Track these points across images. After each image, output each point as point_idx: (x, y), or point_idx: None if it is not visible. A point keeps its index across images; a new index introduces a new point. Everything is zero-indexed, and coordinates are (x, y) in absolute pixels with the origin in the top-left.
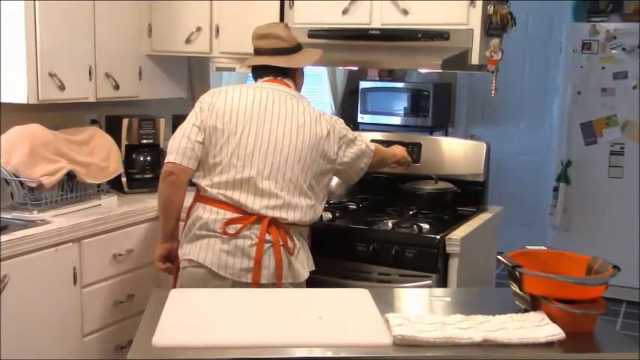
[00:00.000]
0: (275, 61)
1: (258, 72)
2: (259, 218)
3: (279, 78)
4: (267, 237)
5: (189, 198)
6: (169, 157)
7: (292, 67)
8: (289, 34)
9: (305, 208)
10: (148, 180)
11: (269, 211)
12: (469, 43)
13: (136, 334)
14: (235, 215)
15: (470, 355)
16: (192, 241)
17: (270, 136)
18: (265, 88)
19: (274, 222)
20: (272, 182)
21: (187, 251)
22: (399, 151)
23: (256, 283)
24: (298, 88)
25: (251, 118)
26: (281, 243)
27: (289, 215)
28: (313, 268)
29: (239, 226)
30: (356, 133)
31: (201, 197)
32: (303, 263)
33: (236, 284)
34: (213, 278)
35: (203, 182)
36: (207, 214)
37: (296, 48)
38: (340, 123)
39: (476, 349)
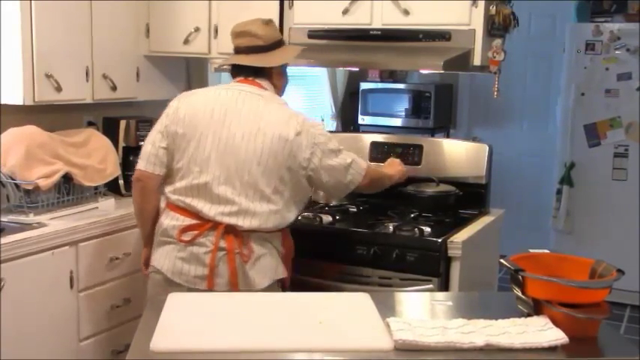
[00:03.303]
0: (247, 60)
1: (233, 72)
2: (215, 225)
3: (250, 78)
4: (223, 244)
5: None
6: (137, 164)
7: (265, 66)
8: (267, 31)
9: (266, 215)
10: None
11: (225, 218)
12: (471, 44)
13: (134, 338)
14: (192, 222)
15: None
16: (156, 247)
17: (228, 140)
18: (232, 89)
19: (231, 229)
20: (229, 187)
21: (152, 257)
22: (395, 170)
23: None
24: (279, 87)
25: (210, 121)
26: (237, 251)
27: (245, 222)
28: (282, 275)
29: (195, 233)
30: (342, 147)
31: (167, 203)
32: (264, 271)
33: (191, 292)
34: (169, 285)
35: (167, 188)
36: (167, 220)
37: (273, 45)
38: (318, 128)
39: (478, 353)
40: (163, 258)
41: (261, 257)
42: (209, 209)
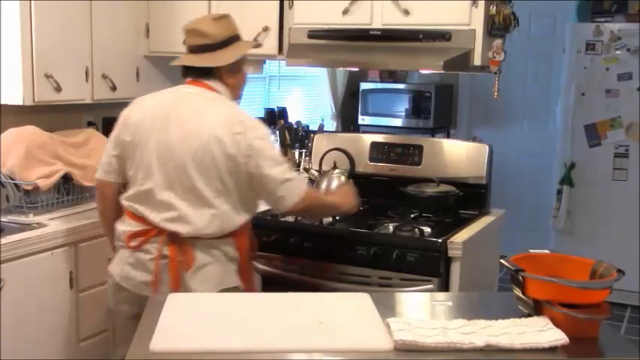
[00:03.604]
0: (193, 61)
1: (183, 73)
2: (160, 232)
3: (198, 79)
4: (166, 252)
5: None
6: (97, 172)
7: (210, 65)
8: (217, 29)
9: (207, 220)
10: None
11: (167, 224)
12: (471, 44)
13: (133, 339)
14: (140, 228)
15: None
16: (115, 252)
17: (168, 145)
18: (177, 92)
19: (175, 236)
20: (171, 193)
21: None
22: (346, 200)
23: (142, 299)
24: (233, 86)
25: (153, 127)
26: (179, 259)
27: (183, 228)
28: (231, 285)
29: (141, 239)
30: (287, 163)
31: (124, 209)
32: (206, 281)
33: (138, 297)
34: (118, 290)
35: (123, 195)
36: (121, 225)
37: (224, 43)
38: (259, 133)
39: (478, 354)
40: (116, 263)
41: (205, 266)
42: (154, 216)
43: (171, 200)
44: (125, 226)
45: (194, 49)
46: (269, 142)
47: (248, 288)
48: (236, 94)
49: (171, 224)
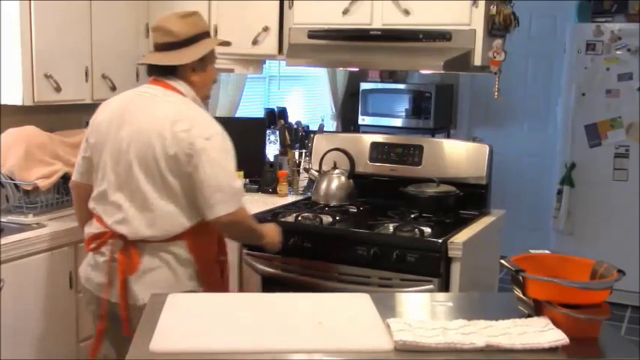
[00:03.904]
0: (154, 59)
1: (148, 71)
2: (113, 234)
3: (160, 78)
4: (116, 255)
5: None
6: None
7: (170, 64)
8: (182, 26)
9: (150, 221)
10: None
11: (117, 226)
12: (471, 44)
13: (133, 339)
14: (98, 230)
15: None
16: None
17: (119, 145)
18: (135, 92)
19: (124, 238)
20: (121, 195)
21: None
22: (271, 235)
23: (107, 300)
24: (198, 85)
25: (110, 128)
26: (126, 262)
27: (130, 231)
28: (182, 290)
29: (99, 241)
30: (233, 172)
31: None
32: (152, 285)
33: (98, 298)
34: (85, 291)
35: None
36: (87, 228)
37: (188, 41)
38: (204, 132)
39: (478, 354)
40: (83, 265)
41: (152, 270)
42: (107, 218)
43: (120, 202)
44: (89, 228)
45: (159, 47)
46: (217, 144)
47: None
48: (202, 93)
49: (119, 226)
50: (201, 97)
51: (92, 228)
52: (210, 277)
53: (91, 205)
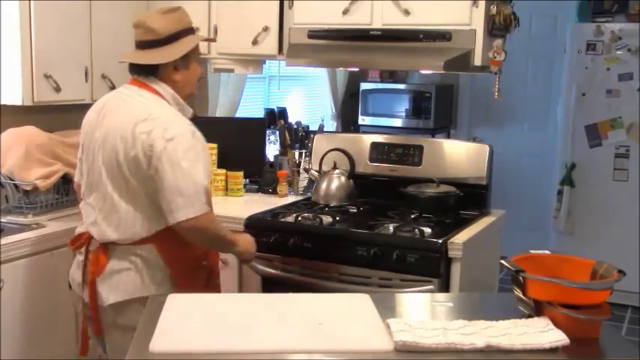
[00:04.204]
0: (134, 57)
1: (129, 70)
2: (90, 235)
3: (139, 77)
4: (89, 256)
5: None
6: None
7: (149, 63)
8: (163, 23)
9: (114, 224)
10: None
11: (90, 228)
12: (472, 44)
13: (133, 339)
14: (81, 230)
15: None
16: None
17: (93, 148)
18: (114, 93)
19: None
20: (94, 197)
21: None
22: (244, 245)
23: (83, 299)
24: (180, 84)
25: (90, 130)
26: (95, 264)
27: (98, 233)
28: (148, 293)
29: (80, 242)
30: (199, 176)
31: None
32: (117, 287)
33: (80, 297)
34: (72, 289)
35: None
36: (78, 226)
37: (170, 38)
38: (167, 133)
39: (479, 355)
40: (73, 263)
41: (118, 272)
42: (86, 218)
43: (93, 204)
44: (79, 227)
45: (140, 45)
46: (180, 146)
47: None
48: (185, 92)
49: (91, 228)
50: (184, 96)
51: (80, 227)
52: (190, 282)
53: (79, 205)
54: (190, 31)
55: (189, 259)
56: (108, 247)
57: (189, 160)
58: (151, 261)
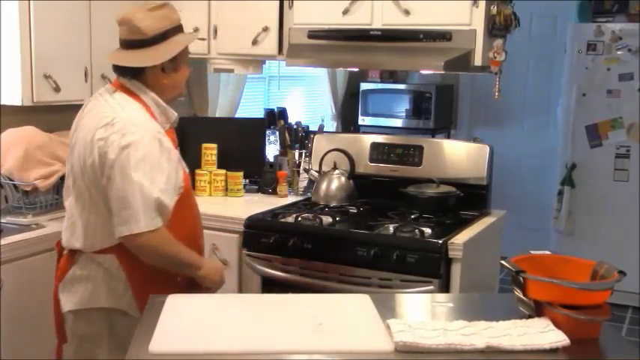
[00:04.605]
0: (117, 59)
1: (113, 69)
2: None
3: (120, 78)
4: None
5: None
6: None
7: (132, 65)
8: (150, 22)
9: (76, 232)
10: None
11: (62, 233)
12: (472, 44)
13: (133, 340)
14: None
15: None
16: None
17: (71, 152)
18: (96, 94)
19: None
20: (68, 201)
21: None
22: (210, 272)
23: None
24: (166, 87)
25: (71, 133)
26: (60, 270)
27: (65, 239)
28: (104, 305)
29: (58, 247)
30: (153, 188)
31: None
32: (74, 294)
33: None
34: None
35: None
36: None
37: (157, 38)
38: (122, 141)
39: (479, 355)
40: None
41: (77, 280)
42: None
43: (67, 208)
44: None
45: (124, 44)
46: (134, 154)
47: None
48: (172, 94)
49: (62, 233)
50: (170, 99)
51: None
52: (135, 301)
53: None
54: (179, 29)
55: (157, 273)
56: (74, 254)
57: (142, 171)
58: (113, 272)
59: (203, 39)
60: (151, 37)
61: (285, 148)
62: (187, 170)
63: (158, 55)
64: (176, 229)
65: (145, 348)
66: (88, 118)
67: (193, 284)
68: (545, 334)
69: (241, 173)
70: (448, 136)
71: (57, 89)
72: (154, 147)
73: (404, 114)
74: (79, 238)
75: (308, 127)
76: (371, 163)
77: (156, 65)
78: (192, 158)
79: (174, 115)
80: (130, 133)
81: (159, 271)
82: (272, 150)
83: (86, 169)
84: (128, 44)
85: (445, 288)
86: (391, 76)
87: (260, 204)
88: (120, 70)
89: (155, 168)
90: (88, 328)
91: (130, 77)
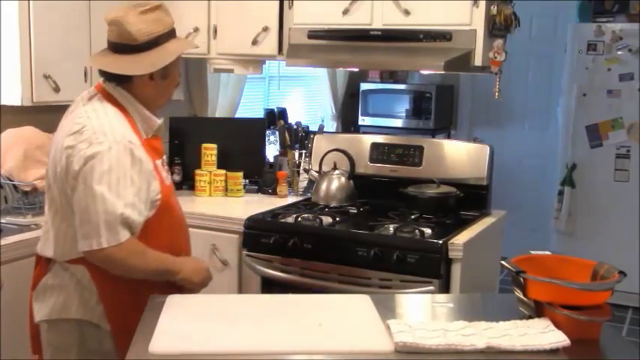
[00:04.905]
0: (103, 63)
1: (99, 71)
2: None
3: (105, 82)
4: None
5: None
6: None
7: (121, 73)
8: (143, 25)
9: (49, 241)
10: None
11: (40, 240)
12: (472, 44)
13: (133, 341)
14: None
15: None
16: None
17: (49, 155)
18: (79, 97)
19: None
20: (46, 206)
21: None
22: (187, 272)
23: None
24: (152, 97)
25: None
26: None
27: (40, 246)
28: (73, 316)
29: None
30: (121, 197)
31: None
32: (44, 304)
33: None
34: None
35: None
36: None
37: (149, 45)
38: (89, 151)
39: (479, 356)
40: None
41: (49, 289)
42: None
43: (45, 216)
44: None
45: (112, 47)
46: (98, 166)
47: (116, 330)
48: (158, 103)
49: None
50: (156, 107)
51: None
52: (126, 319)
53: None
54: (171, 34)
55: (130, 287)
56: (48, 262)
57: (106, 184)
58: (85, 283)
59: (197, 47)
60: (142, 43)
61: (285, 149)
62: (169, 180)
63: (148, 63)
64: (153, 239)
65: (145, 348)
66: (65, 121)
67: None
68: (545, 334)
69: (241, 173)
70: (448, 137)
71: (56, 89)
72: (124, 158)
73: (404, 114)
74: (51, 247)
75: (308, 127)
76: (371, 163)
77: (146, 73)
78: (192, 158)
79: (157, 123)
80: (98, 142)
81: (132, 284)
82: (272, 150)
83: (57, 176)
84: (117, 48)
85: (445, 288)
86: (391, 76)
87: (260, 204)
88: (106, 74)
89: (123, 180)
90: (59, 338)
91: (116, 83)
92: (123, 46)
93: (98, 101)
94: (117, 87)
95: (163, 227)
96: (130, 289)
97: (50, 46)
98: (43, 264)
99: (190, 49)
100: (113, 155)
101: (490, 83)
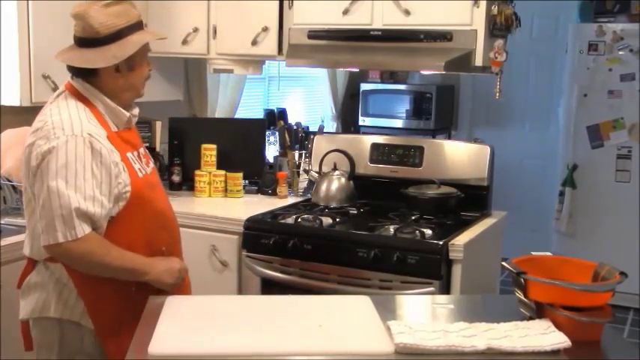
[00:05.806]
0: (68, 57)
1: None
2: None
3: (73, 78)
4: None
5: None
6: None
7: (81, 66)
8: (107, 18)
9: (28, 240)
10: None
11: None
12: (473, 44)
13: (132, 342)
14: None
15: None
16: None
17: None
18: (52, 96)
19: None
20: (24, 208)
21: None
22: (157, 273)
23: None
24: (119, 90)
25: None
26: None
27: (24, 245)
28: (53, 315)
29: None
30: (77, 190)
31: None
32: (28, 302)
33: None
34: None
35: None
36: None
37: (111, 37)
38: (46, 146)
39: (480, 357)
40: None
41: (33, 288)
42: None
43: None
44: None
45: (77, 42)
46: (56, 161)
47: (100, 327)
48: (128, 97)
49: None
50: (126, 101)
51: None
52: (109, 314)
53: None
54: (137, 26)
55: (108, 284)
56: (33, 261)
57: (63, 178)
58: (63, 281)
59: (163, 38)
60: (105, 36)
61: (285, 149)
62: (142, 173)
63: (111, 55)
64: (126, 234)
65: (145, 349)
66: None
67: (153, 294)
68: (546, 335)
69: (241, 174)
70: (449, 137)
71: (55, 89)
72: (82, 151)
73: (404, 114)
74: (28, 245)
75: (308, 127)
76: (371, 163)
77: (114, 66)
78: (191, 159)
79: (125, 115)
80: (54, 137)
81: (109, 281)
82: (272, 151)
83: (24, 176)
84: (81, 42)
85: (446, 289)
86: (391, 76)
87: (260, 205)
88: (73, 69)
89: (81, 174)
90: (42, 337)
91: (83, 78)
92: (87, 40)
93: (63, 98)
94: (83, 82)
95: (136, 222)
96: (111, 284)
97: (49, 46)
98: (30, 263)
99: (154, 40)
100: (70, 149)
101: (491, 83)
